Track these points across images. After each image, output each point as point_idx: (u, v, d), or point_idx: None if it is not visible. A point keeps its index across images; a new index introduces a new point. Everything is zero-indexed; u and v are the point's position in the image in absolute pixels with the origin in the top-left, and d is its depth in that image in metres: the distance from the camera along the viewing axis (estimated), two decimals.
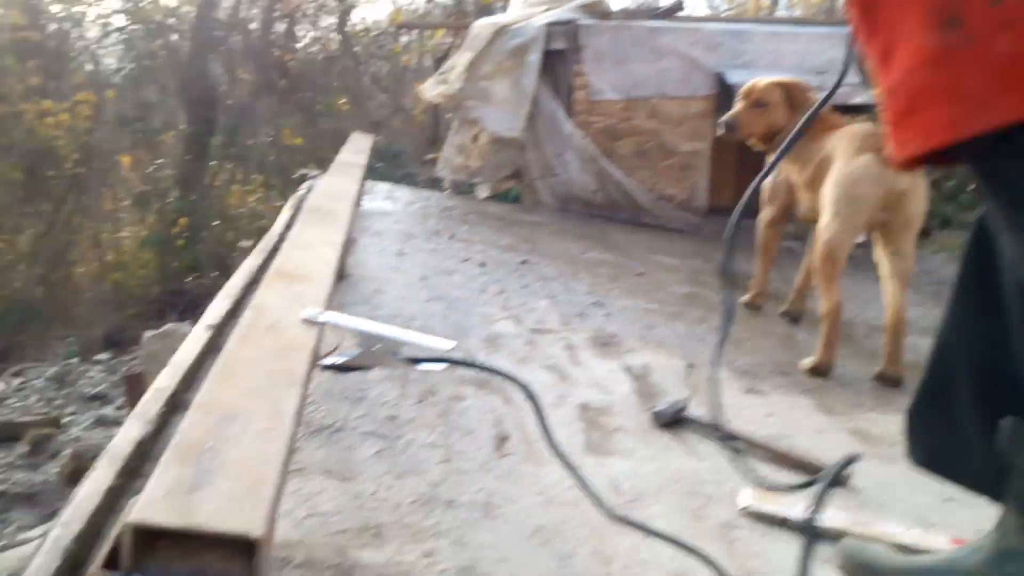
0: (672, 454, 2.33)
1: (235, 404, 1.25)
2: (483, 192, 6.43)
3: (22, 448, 4.95)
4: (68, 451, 4.66)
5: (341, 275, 3.04)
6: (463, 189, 6.68)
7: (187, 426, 1.17)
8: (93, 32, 11.45)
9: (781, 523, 1.98)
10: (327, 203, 2.84)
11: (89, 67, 11.48)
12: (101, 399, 6.13)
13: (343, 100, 11.82)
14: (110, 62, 11.69)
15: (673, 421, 2.50)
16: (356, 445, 2.06)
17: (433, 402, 2.40)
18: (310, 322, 1.65)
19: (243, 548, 1.05)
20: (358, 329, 1.67)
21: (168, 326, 3.47)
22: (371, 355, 1.67)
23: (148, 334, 3.45)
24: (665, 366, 3.02)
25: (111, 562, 0.99)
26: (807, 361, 3.23)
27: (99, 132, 11.32)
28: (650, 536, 1.83)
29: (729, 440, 2.42)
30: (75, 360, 7.75)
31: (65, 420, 5.54)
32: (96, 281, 11.52)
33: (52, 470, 4.64)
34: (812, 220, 3.54)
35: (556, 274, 4.14)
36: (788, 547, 1.92)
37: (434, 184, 7.46)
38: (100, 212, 12.12)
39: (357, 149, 4.51)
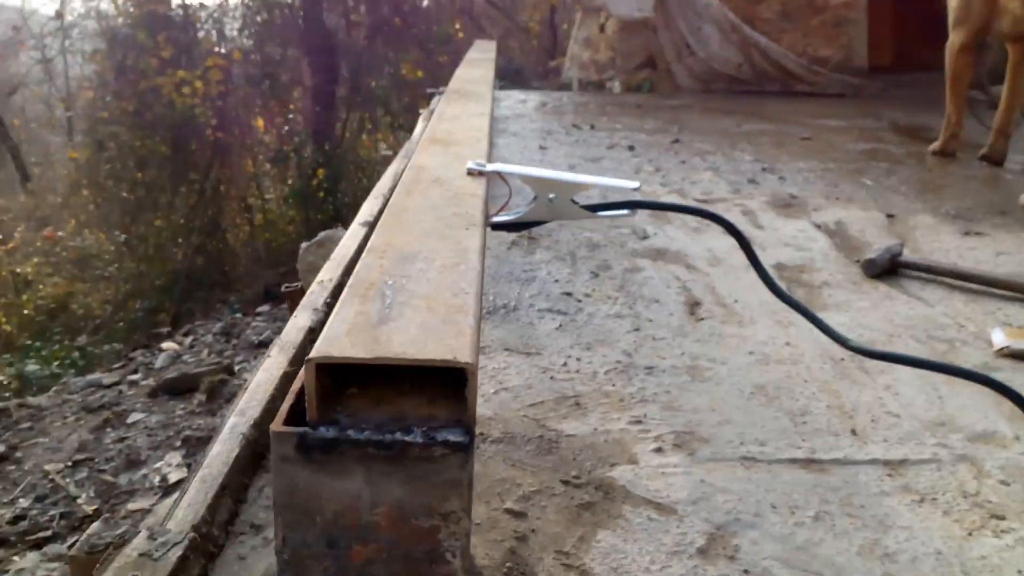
0: (896, 302, 2.00)
1: (411, 246, 1.06)
2: (615, 87, 6.06)
3: (200, 397, 5.15)
4: None
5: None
6: (593, 88, 6.33)
7: (362, 268, 0.99)
8: None
9: None
10: (466, 86, 2.64)
11: (214, 33, 11.75)
12: (267, 344, 6.32)
13: (458, 27, 11.56)
14: (234, 25, 11.91)
15: (887, 270, 2.16)
16: (535, 322, 1.87)
17: (609, 276, 2.18)
18: (476, 173, 1.45)
19: (446, 389, 0.86)
20: (530, 175, 1.45)
21: (323, 233, 3.41)
22: (545, 207, 1.45)
23: (304, 245, 3.40)
24: (861, 219, 2.66)
25: (295, 418, 0.83)
26: None
27: (231, 96, 11.64)
28: (918, 373, 1.55)
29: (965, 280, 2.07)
30: (238, 316, 8.08)
31: (236, 368, 5.74)
32: (248, 244, 11.98)
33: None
34: (1021, 36, 3.02)
35: (713, 148, 3.79)
36: None
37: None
38: (243, 176, 12.55)
39: (482, 49, 4.28)
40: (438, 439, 0.80)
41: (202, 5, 12.36)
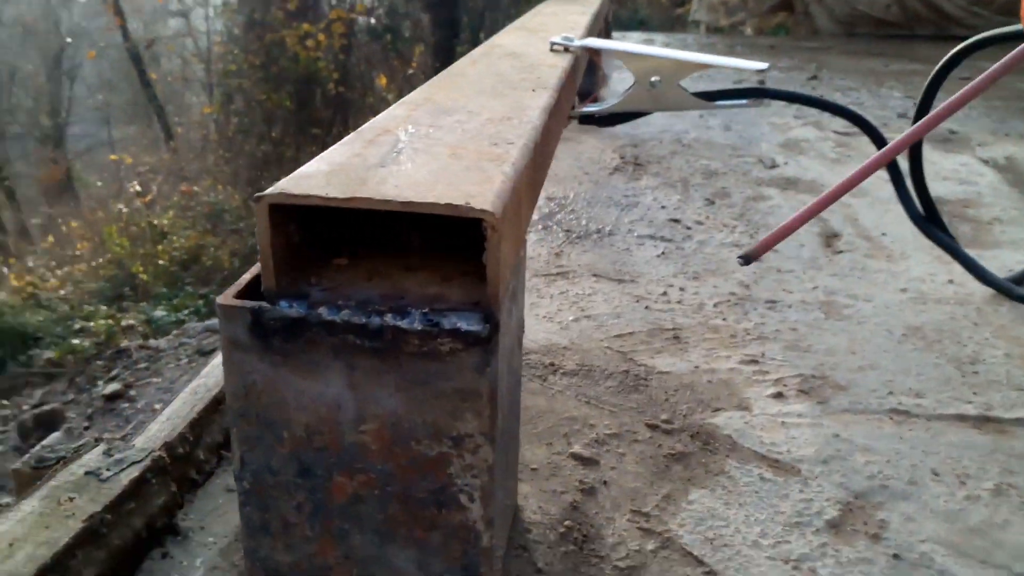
0: None
1: (457, 102, 0.81)
2: (746, 31, 5.58)
3: None
4: None
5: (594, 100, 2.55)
6: (723, 32, 5.85)
7: (382, 117, 0.74)
8: None
9: None
10: None
11: None
12: None
13: None
14: None
15: None
16: (632, 248, 1.58)
17: (727, 204, 1.86)
18: (561, 48, 1.18)
19: (466, 265, 0.61)
20: (630, 51, 1.16)
21: None
22: (646, 95, 1.16)
23: None
24: None
25: (252, 291, 0.59)
26: None
27: (354, 52, 11.70)
28: None
29: None
30: None
31: None
32: None
33: None
34: None
35: (857, 85, 3.34)
36: None
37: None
38: None
39: None
40: (444, 326, 0.54)
41: None
